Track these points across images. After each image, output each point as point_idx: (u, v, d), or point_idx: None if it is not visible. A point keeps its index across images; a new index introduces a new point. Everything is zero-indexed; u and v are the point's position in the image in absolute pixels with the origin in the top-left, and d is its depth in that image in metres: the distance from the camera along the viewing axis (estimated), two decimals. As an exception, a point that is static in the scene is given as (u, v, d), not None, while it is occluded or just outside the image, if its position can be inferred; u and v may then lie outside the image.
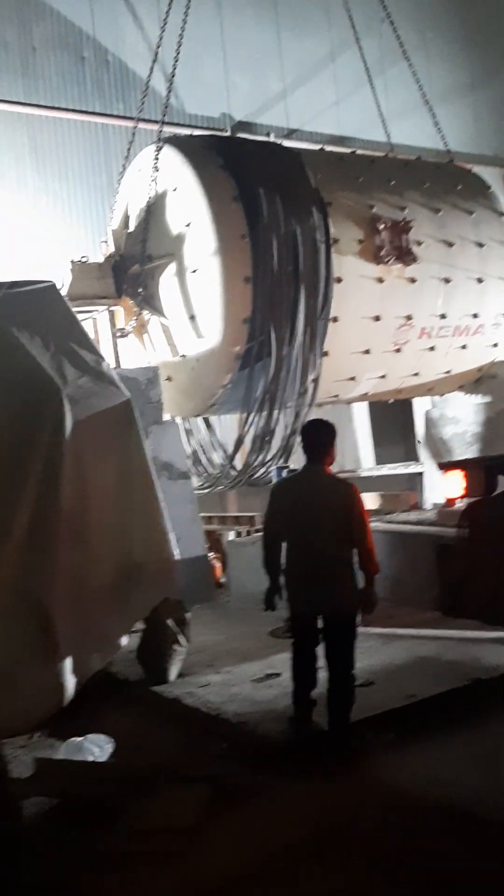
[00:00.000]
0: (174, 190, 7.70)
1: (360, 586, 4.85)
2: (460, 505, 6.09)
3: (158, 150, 7.84)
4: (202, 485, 8.91)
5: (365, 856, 3.59)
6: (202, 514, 8.86)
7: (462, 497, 5.33)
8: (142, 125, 9.06)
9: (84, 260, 8.08)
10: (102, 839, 3.77)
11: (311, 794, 4.14)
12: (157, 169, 7.78)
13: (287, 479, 5.61)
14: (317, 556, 4.71)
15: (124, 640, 5.64)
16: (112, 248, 8.38)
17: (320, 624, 4.90)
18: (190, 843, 3.71)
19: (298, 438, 6.02)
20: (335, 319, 7.88)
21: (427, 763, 4.43)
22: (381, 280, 8.15)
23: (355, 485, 4.88)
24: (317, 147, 9.94)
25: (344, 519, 4.69)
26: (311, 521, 4.74)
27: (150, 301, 7.96)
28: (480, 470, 5.10)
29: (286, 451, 7.90)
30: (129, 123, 9.74)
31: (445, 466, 5.55)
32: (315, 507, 4.76)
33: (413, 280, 8.36)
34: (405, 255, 8.20)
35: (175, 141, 8.11)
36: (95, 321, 8.12)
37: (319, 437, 4.94)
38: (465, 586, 5.12)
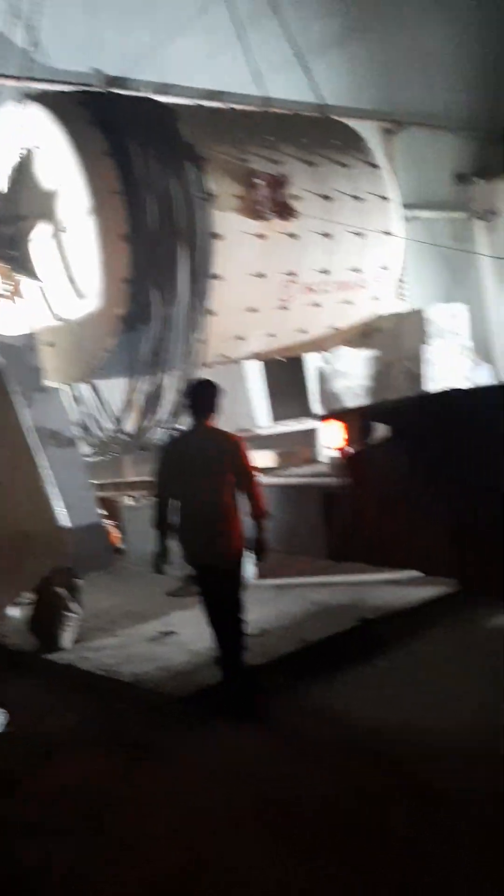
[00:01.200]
0: (43, 148, 7.42)
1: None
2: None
3: (25, 107, 7.52)
4: (94, 452, 8.77)
5: (264, 802, 3.66)
6: (98, 482, 8.75)
7: (344, 446, 5.42)
8: (3, 81, 8.67)
9: (-48, 224, 7.72)
10: (7, 808, 3.71)
11: (212, 746, 4.19)
12: (24, 126, 7.47)
13: (173, 438, 5.62)
14: (208, 507, 4.79)
15: (14, 611, 5.57)
16: (-19, 211, 8.03)
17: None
18: (95, 805, 3.70)
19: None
20: (219, 277, 7.82)
21: (321, 703, 4.55)
22: (262, 236, 8.12)
23: (240, 438, 4.98)
24: (190, 101, 9.77)
25: (231, 468, 4.79)
26: (200, 474, 4.82)
27: (24, 264, 7.69)
28: (357, 418, 5.20)
29: (177, 413, 7.84)
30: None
31: (326, 417, 5.63)
32: (203, 460, 4.84)
33: (294, 235, 8.35)
34: (284, 211, 8.18)
35: (41, 97, 7.80)
36: (-31, 287, 7.81)
37: (202, 396, 5.02)
38: (351, 532, 5.25)
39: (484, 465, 4.52)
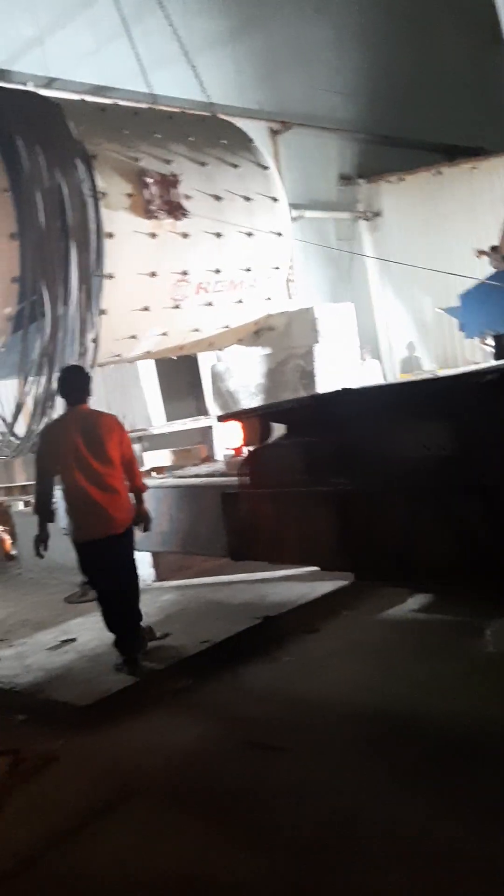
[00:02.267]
0: None
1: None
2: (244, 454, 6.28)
3: None
4: (-17, 455, 8.51)
5: (162, 805, 3.67)
6: (-14, 486, 8.50)
7: (241, 447, 5.48)
8: None
9: None
10: None
11: (110, 751, 4.17)
12: None
13: (53, 421, 5.87)
14: (93, 483, 5.03)
15: None
16: None
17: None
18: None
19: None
20: (111, 276, 7.73)
21: (222, 702, 4.60)
22: (153, 235, 8.08)
23: (116, 416, 5.34)
24: (77, 96, 9.59)
25: (112, 446, 5.09)
26: (83, 453, 5.04)
27: None
28: (254, 419, 5.27)
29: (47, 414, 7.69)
30: None
31: (223, 418, 5.68)
32: (85, 440, 5.06)
33: (186, 235, 8.36)
34: (176, 210, 8.17)
35: None
36: None
37: (76, 381, 5.35)
38: (249, 531, 5.31)
39: (373, 461, 4.67)
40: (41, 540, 5.20)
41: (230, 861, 3.12)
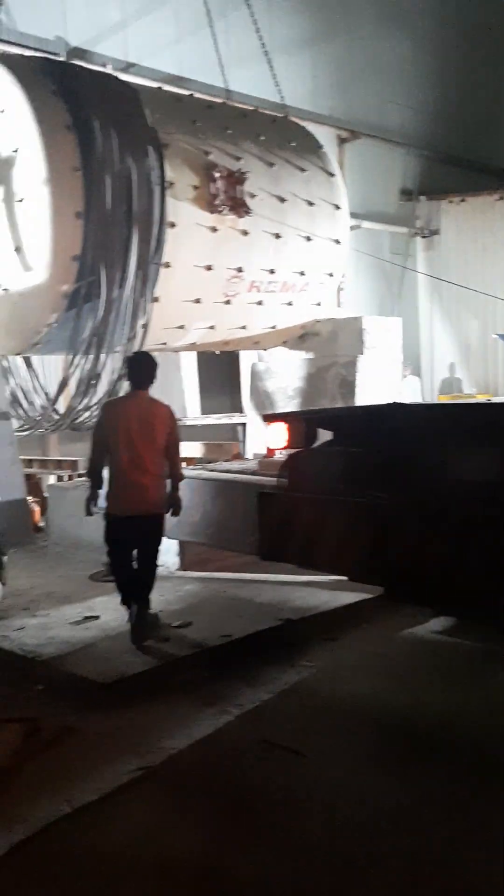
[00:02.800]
0: (1, 111, 7.23)
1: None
2: (280, 456, 6.31)
3: (-15, 66, 7.30)
4: (22, 427, 8.62)
5: (185, 785, 3.73)
6: (21, 458, 8.60)
7: (284, 448, 5.51)
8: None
9: None
10: None
11: (128, 731, 4.22)
12: (-18, 86, 7.26)
13: (115, 399, 6.23)
14: (135, 464, 5.37)
15: None
16: None
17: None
18: (5, 783, 3.68)
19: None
20: (167, 265, 7.81)
21: (239, 698, 4.64)
22: (214, 229, 8.15)
23: (170, 407, 5.60)
24: (153, 83, 9.67)
25: (161, 434, 5.43)
26: (134, 435, 5.39)
27: (-30, 229, 7.47)
28: (301, 423, 5.29)
29: (113, 395, 7.80)
30: (-47, 33, 9.02)
31: (269, 418, 5.70)
32: (138, 424, 5.41)
33: (245, 232, 8.42)
34: (239, 207, 8.23)
35: (4, 59, 7.60)
36: None
37: (143, 367, 5.62)
38: (283, 533, 5.35)
39: (419, 479, 4.69)
40: (91, 499, 5.60)
41: (245, 855, 3.16)
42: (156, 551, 5.53)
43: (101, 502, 5.62)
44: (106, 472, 5.55)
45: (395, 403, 5.20)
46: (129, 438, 5.37)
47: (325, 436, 5.31)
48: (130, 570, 5.52)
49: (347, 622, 5.70)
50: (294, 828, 3.37)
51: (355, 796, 3.58)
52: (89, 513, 5.60)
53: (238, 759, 3.97)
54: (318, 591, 6.17)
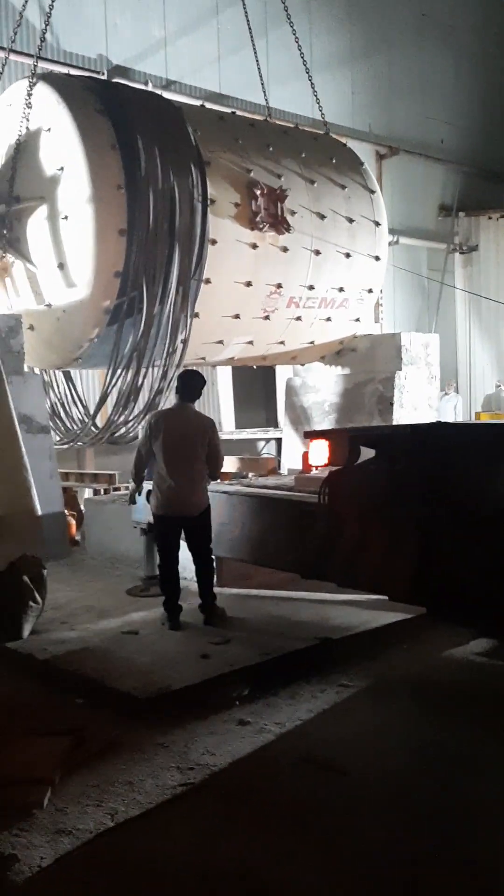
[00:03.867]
0: (48, 130, 7.36)
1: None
2: (317, 472, 6.28)
3: (32, 85, 7.44)
4: (61, 440, 8.70)
5: (228, 801, 3.72)
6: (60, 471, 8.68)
7: (325, 466, 5.49)
8: (11, 56, 8.57)
9: None
10: None
11: (171, 746, 4.22)
12: (30, 105, 7.40)
13: (163, 411, 6.62)
14: (183, 470, 5.88)
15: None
16: (-24, 186, 7.90)
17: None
18: (49, 795, 3.69)
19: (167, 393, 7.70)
20: (208, 281, 7.87)
21: (280, 715, 4.61)
22: (254, 246, 8.20)
23: (212, 420, 6.20)
24: (194, 101, 9.79)
25: (204, 443, 5.92)
26: (180, 443, 5.90)
27: (14, 244, 7.61)
28: (344, 440, 5.27)
29: (151, 409, 7.85)
30: (-1, 53, 9.20)
31: (310, 435, 5.69)
32: (184, 433, 5.93)
33: (286, 249, 8.46)
34: (280, 224, 8.28)
35: (51, 78, 7.74)
36: (-46, 261, 7.69)
37: (192, 382, 6.14)
38: (324, 551, 5.32)
39: (460, 500, 4.65)
40: (134, 492, 6.33)
41: (289, 873, 3.14)
42: (208, 548, 6.06)
43: (139, 513, 6.32)
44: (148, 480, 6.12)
45: (439, 422, 5.15)
46: (175, 447, 5.86)
47: (367, 453, 5.27)
48: (175, 572, 6.00)
49: (388, 642, 5.64)
50: (338, 845, 3.34)
51: (397, 815, 3.53)
52: (133, 501, 6.38)
53: (279, 777, 3.95)
54: (358, 609, 6.12)
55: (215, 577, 7.06)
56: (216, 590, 6.81)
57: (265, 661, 5.22)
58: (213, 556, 6.15)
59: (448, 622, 5.39)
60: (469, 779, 3.90)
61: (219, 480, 6.42)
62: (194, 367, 9.23)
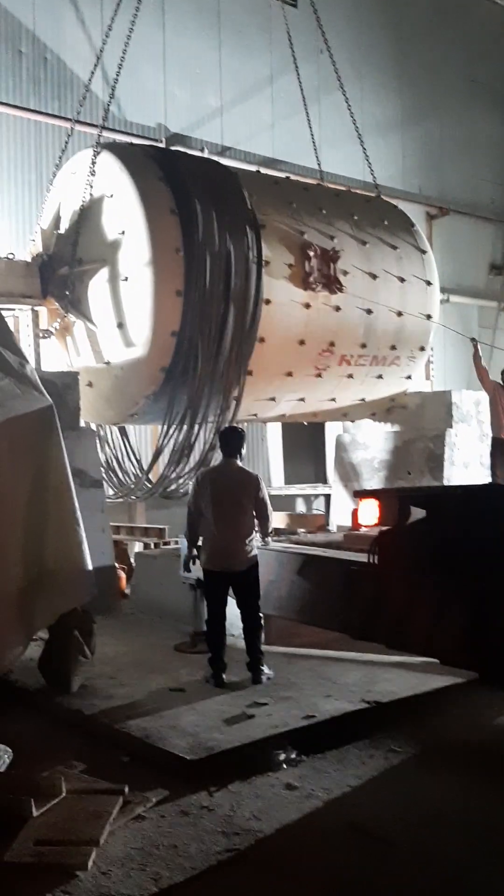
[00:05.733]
0: (111, 196, 7.66)
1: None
2: (365, 530, 6.28)
3: (97, 154, 7.78)
4: (114, 494, 8.84)
5: (274, 870, 3.65)
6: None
7: (375, 525, 5.48)
8: (76, 126, 9.00)
9: (10, 257, 7.94)
10: (5, 850, 3.68)
11: (217, 809, 4.17)
12: (93, 173, 7.73)
13: (208, 469, 6.76)
14: (229, 524, 5.96)
15: (25, 648, 5.56)
16: (40, 248, 8.25)
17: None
18: (93, 856, 3.67)
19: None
20: (262, 340, 8.01)
21: (326, 781, 4.54)
22: (307, 305, 8.34)
23: (258, 475, 6.22)
24: (248, 166, 10.13)
25: (250, 498, 6.00)
26: (226, 500, 5.99)
27: (76, 305, 7.87)
28: (394, 500, 5.27)
29: (204, 465, 7.95)
30: (64, 123, 9.68)
31: (361, 494, 5.70)
32: (230, 489, 6.03)
33: (338, 308, 8.58)
34: (332, 284, 8.42)
35: (114, 147, 8.09)
36: (17, 320, 7.98)
37: (231, 439, 6.28)
38: (373, 611, 5.28)
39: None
40: (189, 558, 6.33)
41: None
42: (255, 605, 6.05)
43: (184, 577, 6.51)
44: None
45: (492, 484, 5.12)
46: (221, 503, 5.94)
47: (417, 514, 5.26)
48: (222, 628, 6.03)
49: (439, 707, 5.53)
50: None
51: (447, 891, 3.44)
52: (188, 569, 6.38)
53: (326, 846, 3.87)
54: (407, 672, 6.01)
55: (263, 634, 7.05)
56: (264, 647, 6.78)
57: (312, 725, 5.15)
58: (261, 614, 6.13)
59: (500, 688, 5.26)
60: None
61: (271, 538, 6.47)
62: (245, 423, 9.39)
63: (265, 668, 5.99)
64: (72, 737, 5.21)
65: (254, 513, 6.03)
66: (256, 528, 6.13)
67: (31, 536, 5.39)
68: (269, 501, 6.16)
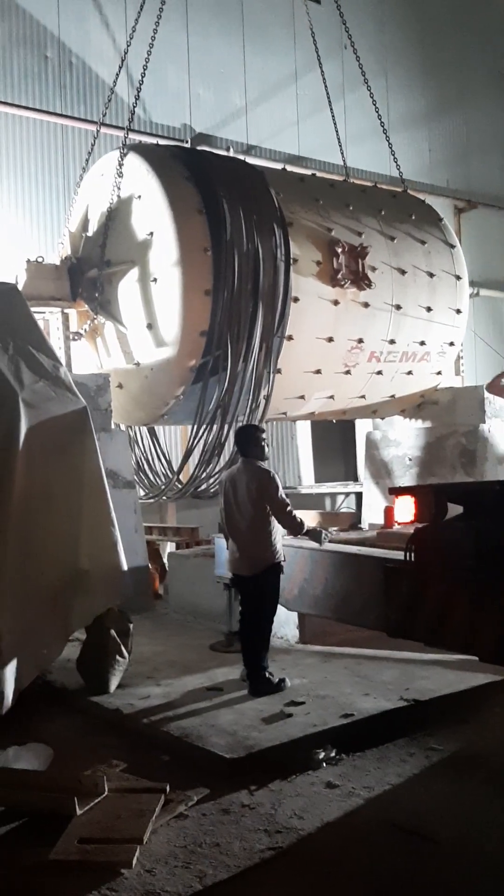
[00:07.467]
0: (138, 198, 7.68)
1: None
2: (400, 528, 6.21)
3: (123, 156, 7.81)
4: (146, 495, 8.87)
5: (318, 868, 3.64)
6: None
7: (411, 522, 5.42)
8: (101, 129, 9.04)
9: (40, 260, 7.99)
10: (49, 849, 3.70)
11: (258, 808, 4.17)
12: (121, 175, 7.76)
13: (230, 470, 6.53)
14: (237, 528, 5.84)
15: (62, 648, 5.59)
16: (69, 251, 8.31)
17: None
18: (137, 854, 3.68)
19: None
20: (290, 338, 7.99)
21: (366, 779, 4.51)
22: (336, 302, 8.30)
23: (272, 471, 5.92)
24: (273, 164, 10.09)
25: (262, 497, 5.74)
26: (233, 501, 5.88)
27: (105, 306, 7.91)
28: (431, 497, 5.21)
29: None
30: (90, 126, 9.73)
31: (396, 491, 5.64)
32: (237, 489, 5.88)
33: (366, 304, 8.53)
34: (361, 280, 8.37)
35: (140, 148, 8.11)
36: (47, 322, 8.04)
37: (241, 437, 6.17)
38: (410, 609, 5.23)
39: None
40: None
41: None
42: (253, 613, 5.82)
43: (221, 568, 6.44)
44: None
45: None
46: (234, 503, 5.86)
47: (454, 510, 5.20)
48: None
49: (478, 705, 5.48)
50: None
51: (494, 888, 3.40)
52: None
53: (369, 844, 3.86)
54: (444, 670, 5.97)
55: (298, 633, 7.02)
56: (299, 646, 6.76)
57: (350, 724, 5.12)
58: (267, 626, 5.83)
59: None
60: None
61: (299, 532, 6.03)
62: (274, 422, 9.37)
63: (269, 676, 5.70)
64: (111, 736, 5.24)
65: (269, 512, 5.73)
66: (284, 532, 5.85)
67: (66, 538, 5.43)
68: (282, 496, 5.78)
